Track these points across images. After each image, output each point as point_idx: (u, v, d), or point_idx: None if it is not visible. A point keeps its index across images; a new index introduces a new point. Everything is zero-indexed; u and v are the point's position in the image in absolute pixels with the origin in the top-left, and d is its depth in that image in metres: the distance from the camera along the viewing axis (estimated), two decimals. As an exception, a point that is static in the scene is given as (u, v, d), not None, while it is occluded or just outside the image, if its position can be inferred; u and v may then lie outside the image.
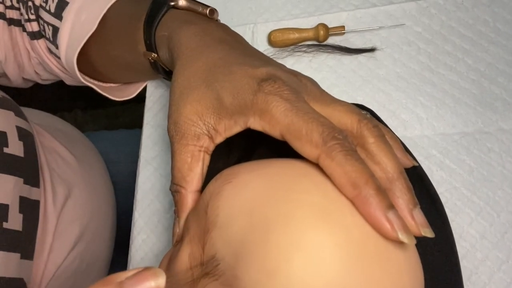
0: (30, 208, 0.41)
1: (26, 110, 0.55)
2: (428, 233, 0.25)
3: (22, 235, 0.40)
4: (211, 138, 0.29)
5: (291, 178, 0.25)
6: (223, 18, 0.53)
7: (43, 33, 0.45)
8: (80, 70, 0.43)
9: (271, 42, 0.49)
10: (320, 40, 0.48)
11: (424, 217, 0.25)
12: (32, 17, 0.45)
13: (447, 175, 0.41)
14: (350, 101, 0.44)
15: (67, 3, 0.42)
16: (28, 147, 0.42)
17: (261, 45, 0.50)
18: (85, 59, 0.44)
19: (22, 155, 0.41)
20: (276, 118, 0.26)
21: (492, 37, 0.45)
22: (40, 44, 0.46)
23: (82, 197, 0.52)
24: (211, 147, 0.30)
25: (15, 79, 0.51)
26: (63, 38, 0.42)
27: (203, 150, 0.29)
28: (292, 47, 0.49)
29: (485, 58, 0.45)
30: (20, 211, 0.40)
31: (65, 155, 0.53)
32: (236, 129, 0.29)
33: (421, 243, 0.36)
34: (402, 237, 0.22)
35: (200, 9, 0.37)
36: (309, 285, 0.22)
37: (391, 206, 0.23)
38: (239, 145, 0.40)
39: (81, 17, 0.41)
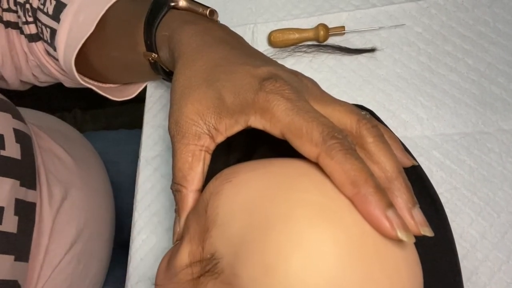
0: (26, 210, 0.41)
1: (25, 111, 0.55)
2: (427, 232, 0.25)
3: (17, 237, 0.40)
4: (212, 137, 0.29)
5: (291, 177, 0.25)
6: (223, 18, 0.53)
7: (41, 35, 0.45)
8: (79, 71, 0.43)
9: (271, 42, 0.49)
10: (320, 40, 0.48)
11: (423, 216, 0.25)
12: (30, 19, 0.45)
13: (447, 176, 0.41)
14: (350, 101, 0.44)
15: (65, 5, 0.42)
16: (25, 150, 0.42)
17: (261, 46, 0.50)
18: (84, 60, 0.44)
19: (19, 157, 0.41)
20: (277, 117, 0.26)
21: (492, 38, 0.45)
22: (38, 46, 0.46)
23: (79, 198, 0.52)
24: (212, 147, 0.30)
25: (12, 81, 0.50)
26: (61, 40, 0.42)
27: (204, 149, 0.29)
28: (292, 47, 0.49)
29: (485, 59, 0.45)
30: (16, 213, 0.40)
31: (62, 156, 0.53)
32: (237, 128, 0.29)
33: (421, 243, 0.36)
34: (401, 235, 0.22)
35: (200, 9, 0.37)
36: (308, 283, 0.22)
37: (390, 205, 0.23)
38: (239, 145, 0.40)
39: (79, 19, 0.41)
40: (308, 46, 0.48)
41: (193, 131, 0.29)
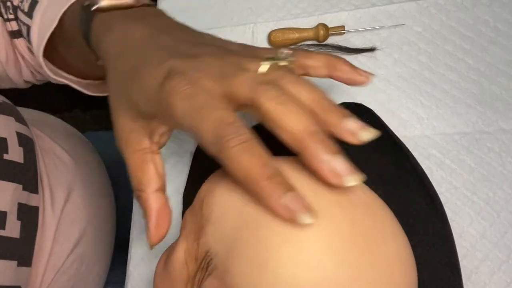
0: (28, 215, 0.41)
1: (25, 111, 0.55)
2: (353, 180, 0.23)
3: (20, 242, 0.40)
4: (150, 138, 0.30)
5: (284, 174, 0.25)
6: (223, 18, 0.53)
7: (22, 32, 0.44)
8: (60, 67, 0.43)
9: (271, 42, 0.49)
10: (320, 40, 0.48)
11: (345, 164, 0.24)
12: (11, 16, 0.44)
13: (447, 175, 0.41)
14: (350, 101, 0.45)
15: (37, 2, 0.41)
16: (28, 153, 0.42)
17: (261, 45, 0.50)
18: (59, 56, 0.43)
19: (21, 161, 0.41)
20: (175, 119, 0.26)
21: (492, 37, 0.45)
22: (21, 43, 0.46)
23: (81, 199, 0.52)
24: (155, 147, 0.31)
25: (16, 79, 0.50)
26: (33, 36, 0.41)
27: (148, 151, 0.30)
28: (292, 47, 0.49)
29: (485, 58, 0.45)
30: (18, 218, 0.40)
31: (63, 157, 0.53)
32: (163, 127, 0.30)
33: (421, 243, 0.36)
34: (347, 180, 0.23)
35: (123, 1, 0.34)
36: (298, 279, 0.22)
37: (290, 189, 0.23)
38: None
39: (46, 16, 0.40)
40: (308, 45, 0.48)
41: (133, 138, 0.30)
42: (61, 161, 0.52)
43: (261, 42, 0.50)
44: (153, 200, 0.29)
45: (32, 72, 0.51)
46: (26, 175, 0.42)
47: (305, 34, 0.48)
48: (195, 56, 0.28)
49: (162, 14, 0.34)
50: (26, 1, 0.42)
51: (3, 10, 0.45)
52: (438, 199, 0.37)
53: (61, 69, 0.44)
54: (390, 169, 0.39)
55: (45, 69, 0.41)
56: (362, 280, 0.22)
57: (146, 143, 0.30)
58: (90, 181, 0.55)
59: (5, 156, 0.39)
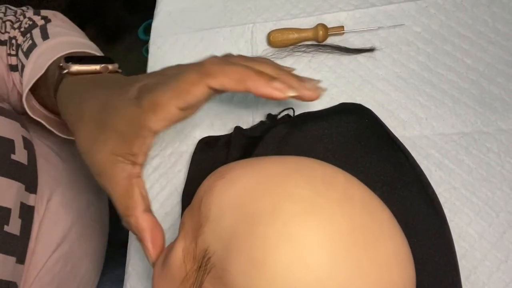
0: (27, 214, 0.43)
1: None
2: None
3: (19, 240, 0.41)
4: (133, 162, 0.32)
5: (282, 172, 0.26)
6: (222, 18, 0.53)
7: (18, 68, 0.47)
8: (40, 103, 0.46)
9: (270, 42, 0.49)
10: (319, 40, 0.48)
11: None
12: (13, 52, 0.48)
13: (446, 175, 0.41)
14: (349, 101, 0.45)
15: (36, 45, 0.44)
16: (30, 156, 0.44)
17: (260, 45, 0.50)
18: (39, 94, 0.46)
19: (26, 163, 0.43)
20: (165, 112, 0.30)
21: (491, 37, 0.45)
22: (15, 76, 0.49)
23: (66, 197, 0.52)
24: (138, 169, 0.32)
25: (16, 104, 0.52)
26: (25, 76, 0.44)
27: (132, 176, 0.32)
28: (291, 47, 0.49)
29: (484, 58, 0.45)
30: (20, 217, 0.41)
31: (50, 157, 0.53)
32: (149, 139, 0.31)
33: (420, 243, 0.36)
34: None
35: (92, 68, 0.39)
36: (296, 277, 0.22)
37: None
38: (238, 146, 0.40)
39: (38, 62, 0.43)
40: (307, 46, 0.48)
41: (115, 169, 0.31)
42: (47, 160, 0.52)
43: (260, 42, 0.50)
44: (143, 221, 0.31)
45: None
46: (29, 176, 0.43)
47: (304, 35, 0.48)
48: (157, 73, 0.34)
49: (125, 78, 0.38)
50: (27, 42, 0.45)
51: (8, 45, 0.48)
52: (437, 199, 0.37)
53: (41, 105, 0.46)
54: (389, 169, 0.39)
55: (26, 106, 0.44)
56: (360, 279, 0.22)
57: (128, 169, 0.31)
58: (76, 178, 0.55)
59: (13, 156, 0.41)
